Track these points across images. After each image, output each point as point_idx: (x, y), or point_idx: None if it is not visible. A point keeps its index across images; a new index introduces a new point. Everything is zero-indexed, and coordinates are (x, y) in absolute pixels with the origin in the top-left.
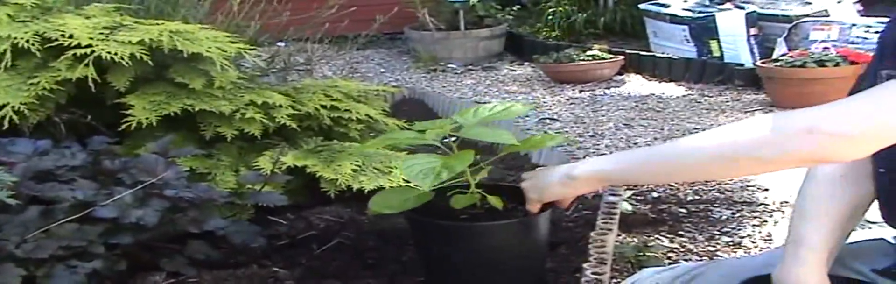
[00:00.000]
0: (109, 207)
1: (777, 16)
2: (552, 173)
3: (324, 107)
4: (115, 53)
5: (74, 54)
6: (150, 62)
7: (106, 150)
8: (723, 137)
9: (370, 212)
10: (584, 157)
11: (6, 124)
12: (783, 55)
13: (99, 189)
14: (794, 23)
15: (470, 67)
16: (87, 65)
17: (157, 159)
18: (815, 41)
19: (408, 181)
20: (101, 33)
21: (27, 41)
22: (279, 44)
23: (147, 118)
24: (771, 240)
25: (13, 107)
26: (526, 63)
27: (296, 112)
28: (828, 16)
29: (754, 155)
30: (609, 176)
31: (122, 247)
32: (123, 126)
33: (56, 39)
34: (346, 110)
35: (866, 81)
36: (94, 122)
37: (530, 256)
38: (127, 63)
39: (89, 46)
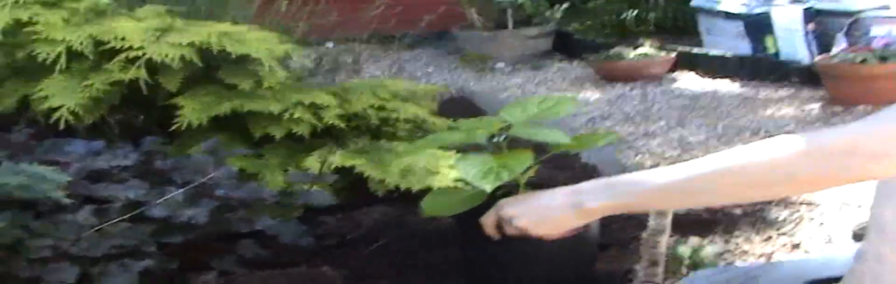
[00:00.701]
0: (161, 206)
1: (836, 11)
2: (552, 205)
3: (371, 107)
4: (166, 55)
5: (126, 57)
6: (199, 63)
7: (157, 150)
8: (755, 160)
9: (423, 214)
10: (636, 156)
11: (62, 125)
12: (842, 51)
13: (150, 189)
14: (853, 18)
15: (518, 65)
16: (138, 67)
17: (207, 159)
18: (876, 37)
19: (458, 181)
20: (153, 35)
21: (81, 44)
22: (327, 44)
23: (197, 119)
24: (831, 242)
25: (68, 108)
26: (575, 62)
27: (344, 112)
28: (889, 10)
29: (793, 179)
30: (631, 208)
31: (173, 246)
32: (174, 127)
33: (109, 42)
34: (393, 110)
35: None
36: (146, 123)
37: (579, 257)
38: (177, 65)
39: (141, 48)
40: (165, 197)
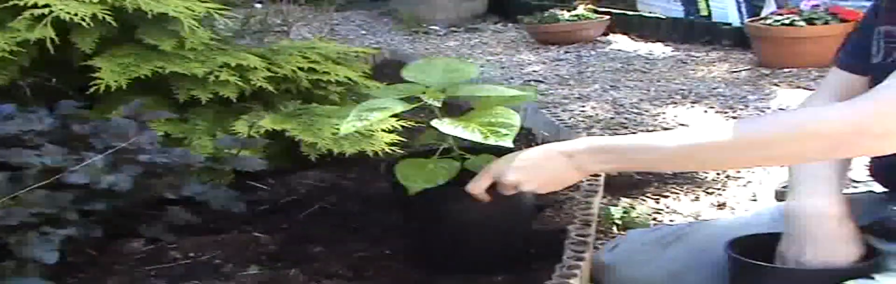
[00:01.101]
0: (80, 173)
1: None
2: (558, 169)
3: (301, 69)
4: (75, 14)
5: (32, 14)
6: (114, 23)
7: (75, 114)
8: (759, 136)
9: (406, 193)
10: (570, 119)
11: None
12: (772, 13)
13: (68, 155)
14: None
15: (453, 28)
16: (45, 25)
17: (129, 124)
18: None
19: (392, 145)
20: None
21: None
22: (256, 5)
23: (116, 81)
24: (756, 200)
25: None
26: (510, 24)
27: (272, 75)
28: None
29: (797, 157)
30: (623, 169)
31: (97, 213)
32: (92, 90)
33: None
34: (324, 73)
35: (861, 37)
36: (62, 86)
37: (516, 218)
38: (89, 24)
39: (47, 5)
40: (84, 163)
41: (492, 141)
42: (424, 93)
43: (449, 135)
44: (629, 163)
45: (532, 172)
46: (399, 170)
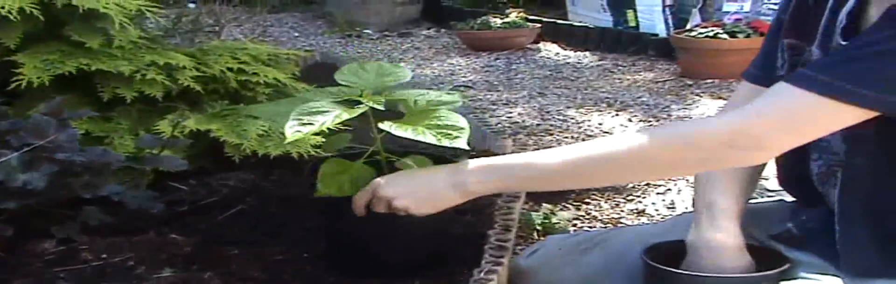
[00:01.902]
0: None
1: None
2: (435, 186)
3: (230, 70)
4: (2, 7)
5: None
6: (41, 18)
7: None
8: (638, 150)
9: (317, 193)
10: (497, 124)
11: None
12: (697, 26)
13: None
14: None
15: (386, 33)
16: None
17: (48, 121)
18: (728, 12)
19: (317, 148)
20: None
21: None
22: (189, 5)
23: (39, 78)
24: (673, 208)
25: None
26: (443, 30)
27: (201, 74)
28: None
29: (673, 169)
30: (510, 189)
31: (8, 212)
32: (13, 86)
33: None
34: (253, 74)
35: (766, 50)
36: None
37: (433, 223)
38: (15, 18)
39: None
40: None
41: (447, 143)
42: (361, 96)
43: (375, 137)
44: (512, 181)
45: (409, 188)
46: (322, 168)
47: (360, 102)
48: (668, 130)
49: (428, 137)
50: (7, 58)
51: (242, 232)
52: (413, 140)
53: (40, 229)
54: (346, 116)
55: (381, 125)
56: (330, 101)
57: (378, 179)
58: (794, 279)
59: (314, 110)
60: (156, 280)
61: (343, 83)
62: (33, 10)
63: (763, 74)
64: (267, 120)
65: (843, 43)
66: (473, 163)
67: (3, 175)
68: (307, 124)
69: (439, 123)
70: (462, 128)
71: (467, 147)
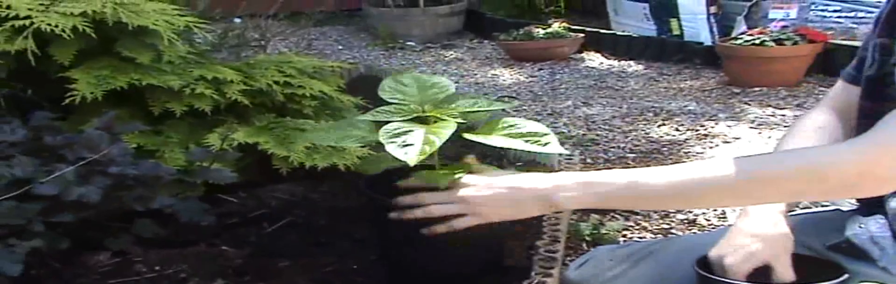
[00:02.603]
0: (49, 184)
1: None
2: (522, 194)
3: (277, 83)
4: (56, 26)
5: (13, 26)
6: (93, 35)
7: (48, 125)
8: (760, 178)
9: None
10: None
11: None
12: (742, 34)
13: (39, 166)
14: (754, 1)
15: (429, 44)
16: (26, 37)
17: (101, 135)
18: (774, 19)
19: (360, 158)
20: (42, 5)
21: None
22: (234, 19)
23: (92, 93)
24: (725, 218)
25: None
26: (485, 41)
27: (248, 88)
28: None
29: (796, 197)
30: (600, 206)
31: (64, 225)
32: (67, 101)
33: None
34: (299, 86)
35: (862, 50)
36: (38, 97)
37: (492, 235)
38: (69, 36)
39: (28, 17)
40: (54, 174)
41: (539, 149)
42: (423, 112)
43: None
44: (610, 199)
45: (493, 194)
46: (313, 133)
47: (422, 118)
48: (797, 159)
49: (520, 144)
50: (61, 74)
51: (292, 244)
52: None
53: (95, 241)
54: (445, 134)
55: (467, 136)
56: (399, 119)
57: (464, 179)
58: None
59: (398, 131)
60: None
61: (391, 101)
62: (86, 28)
63: (858, 74)
64: (313, 132)
65: None
66: (569, 177)
67: (59, 189)
68: (408, 145)
69: (520, 131)
70: (546, 133)
71: (564, 150)
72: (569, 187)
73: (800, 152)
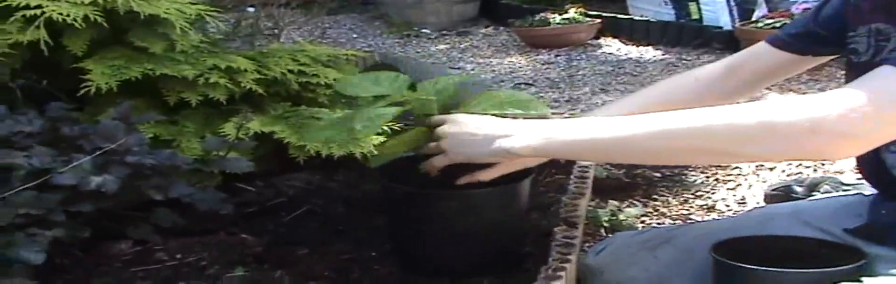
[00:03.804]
0: (68, 174)
1: None
2: (482, 138)
3: (291, 72)
4: (67, 15)
5: (24, 16)
6: (105, 25)
7: (64, 116)
8: (707, 125)
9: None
10: None
11: None
12: (763, 17)
13: (57, 156)
14: None
15: (444, 32)
16: (38, 27)
17: (117, 125)
18: (795, 2)
19: (377, 146)
20: None
21: None
22: (249, 9)
23: (106, 83)
24: (744, 203)
25: None
26: (501, 28)
27: (262, 77)
28: None
29: (745, 151)
30: (553, 154)
31: (84, 215)
32: (82, 92)
33: (3, 0)
34: (314, 75)
35: (813, 26)
36: (52, 88)
37: (509, 223)
38: (80, 25)
39: (39, 6)
40: (72, 165)
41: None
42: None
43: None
44: (566, 150)
45: (457, 137)
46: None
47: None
48: (753, 108)
49: (508, 108)
50: (75, 65)
51: (310, 232)
52: None
53: (115, 230)
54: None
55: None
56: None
57: (452, 116)
58: (878, 275)
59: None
60: (229, 279)
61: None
62: (97, 17)
63: (798, 43)
64: (328, 122)
65: None
66: (533, 125)
67: (77, 179)
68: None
69: (507, 100)
70: (530, 99)
71: (550, 110)
72: (524, 135)
73: (765, 105)
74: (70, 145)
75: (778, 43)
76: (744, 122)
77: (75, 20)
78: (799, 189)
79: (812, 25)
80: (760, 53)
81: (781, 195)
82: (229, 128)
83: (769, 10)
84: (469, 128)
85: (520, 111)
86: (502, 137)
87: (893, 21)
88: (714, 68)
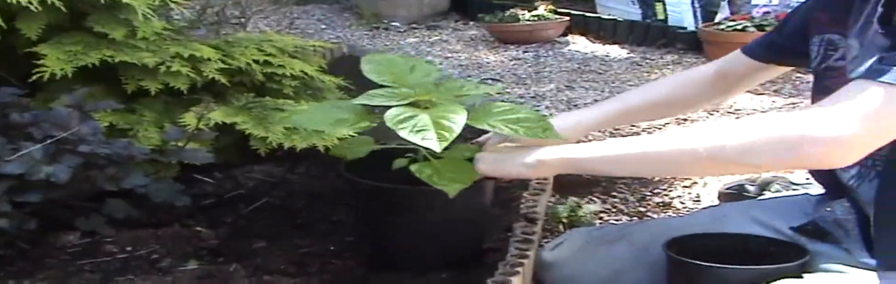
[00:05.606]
0: (15, 163)
1: None
2: (515, 157)
3: (256, 62)
4: None
5: None
6: (63, 9)
7: (15, 102)
8: (712, 139)
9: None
10: None
11: None
12: (725, 19)
13: (5, 144)
14: None
15: (414, 25)
16: None
17: (70, 113)
18: (757, 6)
19: (340, 139)
20: None
21: None
22: None
23: (62, 69)
24: (699, 201)
25: None
26: (471, 23)
27: (226, 67)
28: None
29: (747, 162)
30: (578, 165)
31: (32, 205)
32: (35, 77)
33: None
34: (279, 66)
35: (783, 43)
36: (4, 73)
37: (472, 218)
38: (36, 8)
39: None
40: (20, 153)
41: (544, 136)
42: (417, 96)
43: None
44: (590, 155)
45: (494, 162)
46: (420, 171)
47: (416, 102)
48: (755, 119)
49: (521, 131)
50: (29, 49)
51: (268, 225)
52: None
53: (64, 222)
54: (458, 119)
55: (472, 122)
56: (397, 102)
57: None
58: (818, 271)
59: (402, 117)
60: (181, 272)
61: (382, 83)
62: (55, 0)
63: (764, 52)
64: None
65: (881, 31)
66: (554, 154)
67: (25, 168)
68: (422, 130)
69: (517, 116)
70: (541, 119)
71: (565, 137)
72: (550, 147)
73: (754, 119)
74: (20, 133)
75: (748, 51)
76: (747, 134)
77: (31, 3)
78: (751, 188)
79: (776, 37)
80: (736, 59)
81: (735, 193)
82: (190, 118)
83: (731, 13)
84: (503, 157)
85: (534, 134)
86: (530, 154)
87: (844, 33)
88: (706, 70)
